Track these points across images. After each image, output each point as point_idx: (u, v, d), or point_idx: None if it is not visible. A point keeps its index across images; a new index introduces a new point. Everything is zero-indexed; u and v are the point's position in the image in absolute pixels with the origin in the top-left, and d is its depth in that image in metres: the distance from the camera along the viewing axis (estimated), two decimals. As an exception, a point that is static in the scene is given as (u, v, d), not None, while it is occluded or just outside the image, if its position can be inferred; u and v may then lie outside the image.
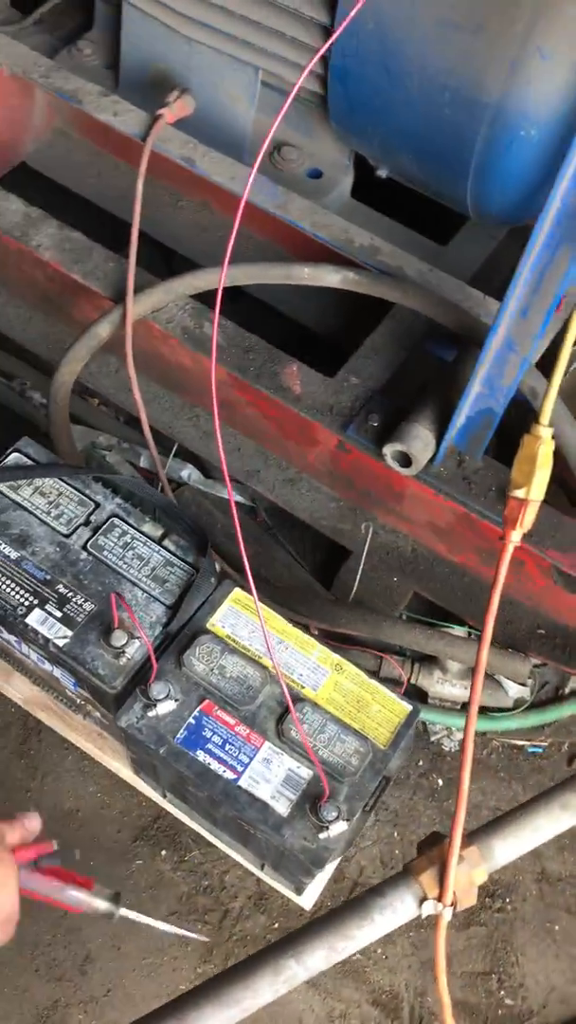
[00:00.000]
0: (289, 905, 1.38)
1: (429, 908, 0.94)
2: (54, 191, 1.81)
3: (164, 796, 1.35)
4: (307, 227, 1.41)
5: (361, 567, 1.52)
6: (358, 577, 1.48)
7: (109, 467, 1.71)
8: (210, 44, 1.49)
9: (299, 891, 1.30)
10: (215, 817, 1.22)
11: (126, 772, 1.38)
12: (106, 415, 1.77)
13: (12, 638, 1.26)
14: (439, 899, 0.94)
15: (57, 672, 1.25)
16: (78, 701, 1.35)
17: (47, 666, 1.26)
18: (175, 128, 1.49)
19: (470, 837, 0.97)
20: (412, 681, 1.51)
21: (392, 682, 1.52)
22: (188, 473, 1.70)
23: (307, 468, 1.56)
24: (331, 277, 1.31)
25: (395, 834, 1.45)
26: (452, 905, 0.94)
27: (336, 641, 1.49)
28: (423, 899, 0.94)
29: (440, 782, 1.50)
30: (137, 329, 1.41)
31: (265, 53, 1.44)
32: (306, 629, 1.36)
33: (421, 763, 1.51)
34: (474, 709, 0.97)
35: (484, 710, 1.53)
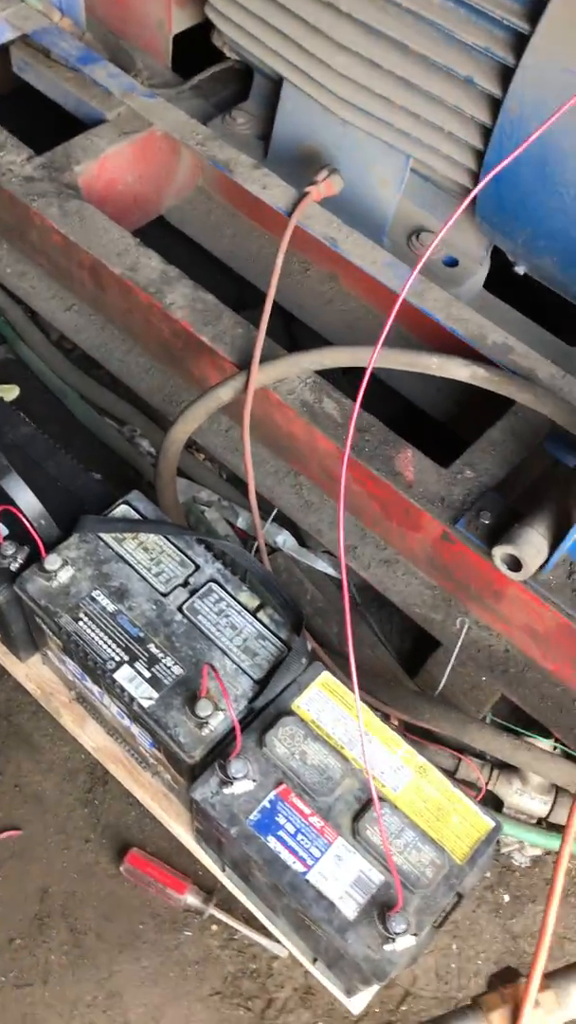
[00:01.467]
0: (335, 1005, 1.33)
1: (497, 1051, 0.89)
2: (182, 244, 1.86)
3: (223, 870, 1.32)
4: (443, 320, 1.40)
5: (452, 662, 1.47)
6: (447, 671, 1.44)
7: (207, 523, 1.71)
8: (365, 129, 1.51)
9: (349, 994, 1.25)
10: (275, 904, 1.19)
11: (187, 838, 1.36)
12: (209, 471, 1.78)
13: (96, 688, 1.26)
14: (508, 1043, 0.89)
15: (135, 729, 1.24)
16: (150, 760, 1.33)
17: (126, 721, 1.26)
18: (319, 206, 1.52)
19: (548, 978, 0.92)
20: (489, 787, 1.45)
21: (468, 784, 1.47)
22: (283, 539, 1.69)
23: (406, 552, 1.54)
24: (460, 371, 1.30)
25: (453, 946, 1.39)
26: (521, 1052, 0.89)
27: (414, 735, 1.45)
28: (491, 1040, 0.90)
29: (506, 898, 1.43)
30: (256, 395, 1.42)
31: (420, 143, 1.46)
32: (385, 718, 1.33)
33: (488, 875, 1.44)
34: (569, 838, 0.93)
35: (560, 828, 1.46)
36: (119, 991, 1.30)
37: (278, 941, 1.26)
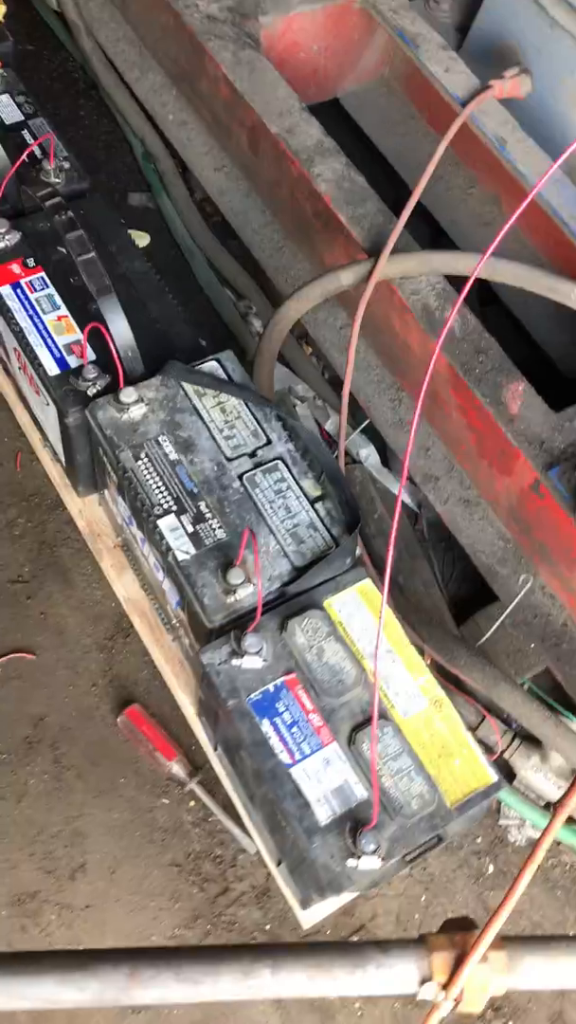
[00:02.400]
0: (288, 914, 1.30)
1: (428, 992, 0.83)
2: (350, 133, 1.77)
3: (215, 749, 1.30)
4: (597, 248, 1.28)
5: (503, 619, 1.39)
6: (494, 627, 1.36)
7: (296, 416, 1.66)
8: (574, 33, 1.38)
9: (304, 905, 1.21)
10: (254, 793, 1.15)
11: (189, 710, 1.33)
12: (313, 366, 1.72)
13: (139, 535, 1.24)
14: (444, 987, 0.83)
15: (166, 584, 1.22)
16: (174, 621, 1.31)
17: (159, 575, 1.23)
18: (500, 104, 1.40)
19: (504, 940, 0.86)
20: (505, 756, 1.37)
21: (484, 746, 1.40)
22: (367, 454, 1.62)
23: (490, 495, 1.45)
24: (601, 308, 1.19)
25: (422, 898, 1.34)
26: (455, 1001, 0.83)
27: (446, 679, 1.38)
28: (426, 979, 0.84)
29: (490, 868, 1.36)
30: (379, 290, 1.35)
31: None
32: (420, 653, 1.26)
33: (480, 840, 1.38)
34: (562, 815, 0.85)
35: (570, 820, 1.37)
36: (85, 832, 1.31)
37: (249, 836, 1.23)
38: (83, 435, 1.27)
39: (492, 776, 1.05)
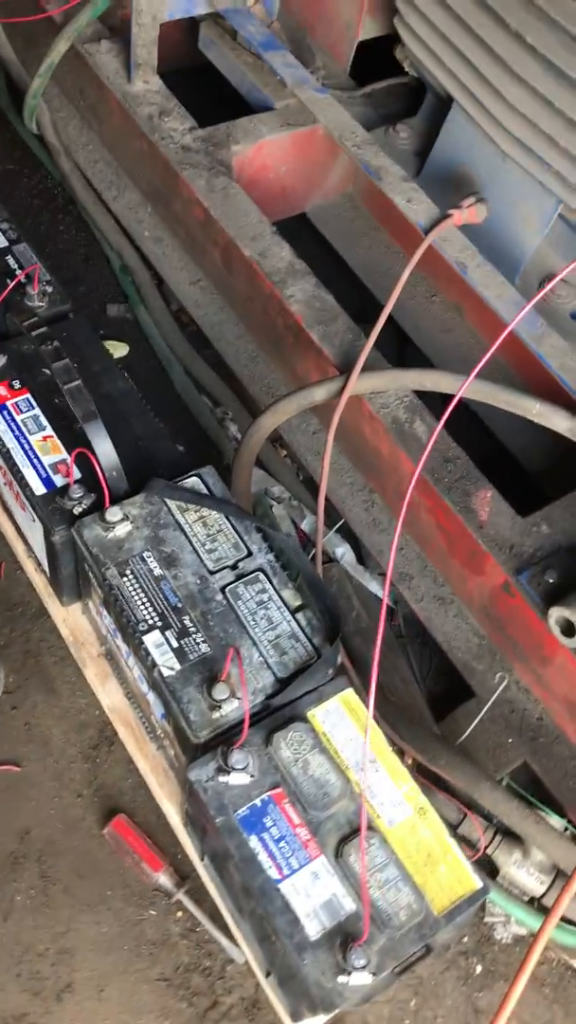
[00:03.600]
0: (279, 1026, 1.29)
1: None
2: (317, 245, 1.86)
3: (202, 859, 1.31)
4: (555, 367, 1.37)
5: (481, 715, 1.43)
6: (474, 724, 1.39)
7: (273, 517, 1.71)
8: (523, 165, 1.49)
9: (294, 1018, 1.21)
10: (242, 906, 1.16)
11: (175, 819, 1.35)
12: (288, 468, 1.78)
13: (124, 647, 1.27)
14: None
15: (151, 696, 1.24)
16: (159, 732, 1.33)
17: (144, 687, 1.26)
18: (459, 231, 1.50)
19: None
20: (488, 851, 1.39)
21: (467, 843, 1.42)
22: (343, 552, 1.67)
23: (463, 594, 1.50)
24: (561, 423, 1.26)
25: (412, 1003, 1.34)
26: None
27: (425, 778, 1.41)
28: None
29: (478, 969, 1.37)
30: (350, 402, 1.41)
31: (574, 191, 1.43)
32: (400, 754, 1.30)
33: (466, 940, 1.39)
34: (552, 921, 0.88)
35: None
36: (72, 949, 1.30)
37: (237, 946, 1.23)
38: (69, 551, 1.31)
39: (477, 882, 1.07)
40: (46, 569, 1.43)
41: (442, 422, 1.07)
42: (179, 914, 1.33)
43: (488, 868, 1.41)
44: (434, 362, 1.79)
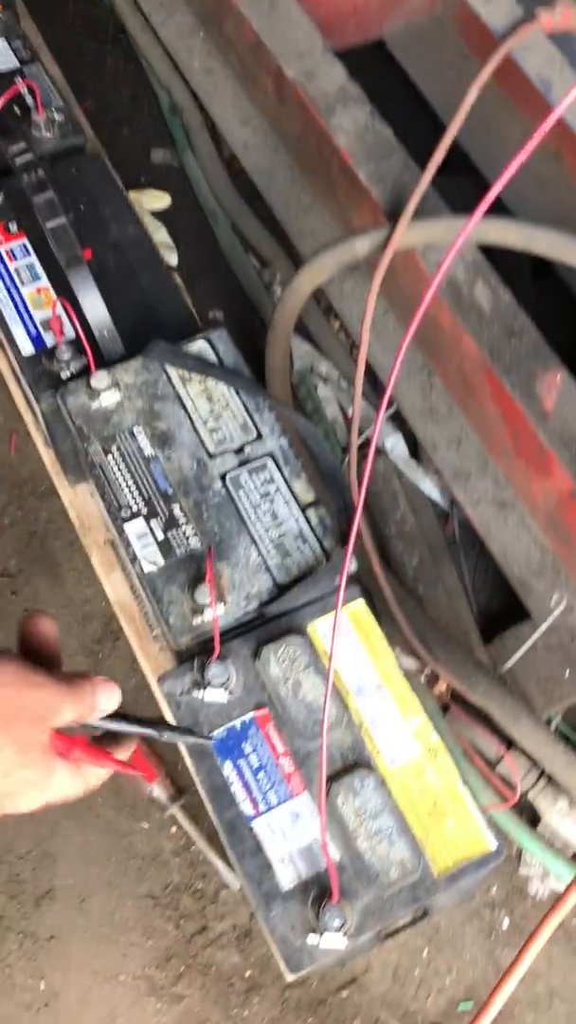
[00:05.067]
0: (271, 961, 1.18)
1: None
2: (397, 79, 1.58)
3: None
4: None
5: (533, 639, 1.22)
6: (523, 649, 1.19)
7: (317, 400, 1.49)
8: None
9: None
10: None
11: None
12: (340, 344, 1.54)
13: (116, 536, 1.11)
14: None
15: (141, 593, 1.09)
16: (155, 632, 1.19)
17: (136, 580, 1.11)
18: (550, 39, 1.19)
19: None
20: (529, 796, 1.21)
21: (506, 783, 1.24)
22: (393, 443, 1.45)
23: (526, 498, 1.26)
24: None
25: (425, 952, 1.19)
26: None
27: (463, 709, 1.22)
28: None
29: (506, 923, 1.21)
30: (400, 261, 1.17)
31: None
32: (434, 678, 1.11)
33: (494, 891, 1.22)
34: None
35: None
36: (55, 855, 1.21)
37: (233, 871, 1.10)
38: (60, 421, 1.15)
39: (490, 843, 0.90)
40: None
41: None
42: (173, 830, 1.22)
43: (529, 814, 1.22)
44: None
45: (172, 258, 1.58)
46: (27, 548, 1.38)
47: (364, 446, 1.45)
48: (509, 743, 1.24)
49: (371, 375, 1.33)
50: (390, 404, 1.44)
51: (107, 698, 0.71)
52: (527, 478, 1.23)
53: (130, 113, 1.76)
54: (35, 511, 1.41)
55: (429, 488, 1.44)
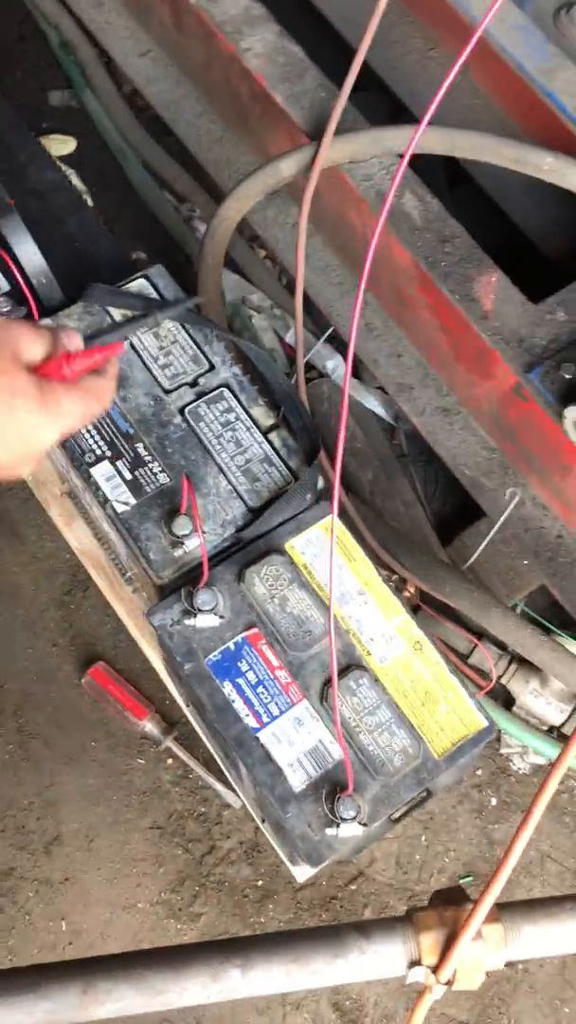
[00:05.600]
0: (280, 868, 1.24)
1: (418, 975, 0.75)
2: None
3: (187, 706, 1.21)
4: (569, 107, 1.11)
5: (491, 535, 1.27)
6: (483, 545, 1.24)
7: (253, 330, 1.50)
8: None
9: (292, 862, 1.14)
10: (227, 754, 1.07)
11: (159, 664, 1.24)
12: (268, 272, 1.55)
13: (79, 483, 1.11)
14: (434, 970, 0.75)
15: (113, 536, 1.10)
16: (129, 574, 1.20)
17: (105, 526, 1.12)
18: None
19: (500, 909, 0.77)
20: (503, 681, 1.28)
21: (479, 672, 1.31)
22: (334, 365, 1.47)
23: (469, 402, 1.31)
24: (578, 177, 1.02)
25: (423, 838, 1.27)
26: (448, 984, 0.76)
27: (432, 608, 1.28)
28: (415, 962, 0.76)
29: (493, 801, 1.29)
30: (326, 179, 1.18)
31: None
32: (402, 583, 1.15)
33: (480, 772, 1.30)
34: (570, 752, 0.75)
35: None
36: (57, 801, 1.23)
37: (233, 790, 1.15)
38: None
39: (482, 720, 0.95)
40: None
41: (399, 175, 0.84)
42: (169, 761, 1.26)
43: (504, 698, 1.30)
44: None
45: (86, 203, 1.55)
46: (-19, 510, 1.38)
47: (308, 370, 1.47)
48: (479, 635, 1.30)
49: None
50: (328, 326, 1.46)
51: (68, 335, 0.74)
52: (469, 382, 1.27)
53: (19, 55, 1.70)
54: (-15, 472, 1.40)
55: (374, 404, 1.47)
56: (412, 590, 1.29)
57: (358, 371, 1.50)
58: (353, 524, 1.30)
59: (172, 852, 1.21)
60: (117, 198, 1.56)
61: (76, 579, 1.36)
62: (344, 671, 0.95)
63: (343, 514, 1.19)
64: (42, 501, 1.30)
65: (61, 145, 1.62)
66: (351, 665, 0.95)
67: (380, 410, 1.48)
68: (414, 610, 1.31)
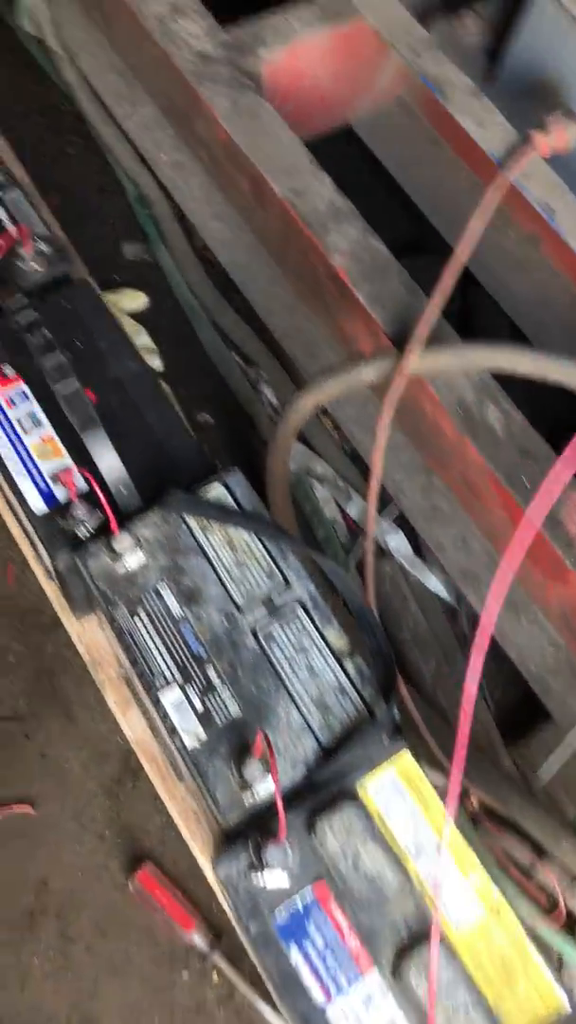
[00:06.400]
0: None
1: None
2: (364, 161, 1.57)
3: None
4: None
5: (562, 746, 1.22)
6: (556, 767, 1.19)
7: (315, 500, 1.48)
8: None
9: None
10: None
11: (210, 872, 1.18)
12: (333, 442, 1.53)
13: (140, 688, 1.08)
14: None
15: (184, 768, 1.06)
16: (185, 776, 1.16)
17: (164, 733, 1.08)
18: (543, 161, 1.19)
19: None
20: (569, 905, 1.22)
21: (541, 890, 1.24)
22: (397, 544, 1.44)
23: (539, 601, 1.27)
24: None
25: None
26: None
27: (493, 820, 1.22)
28: None
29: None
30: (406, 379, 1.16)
31: None
32: (464, 794, 1.10)
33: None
34: None
35: None
36: (97, 1018, 1.17)
37: (281, 1016, 1.08)
38: (76, 575, 1.11)
39: (561, 1000, 0.89)
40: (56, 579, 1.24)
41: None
42: (215, 976, 1.19)
43: (572, 924, 1.23)
44: (504, 306, 1.51)
45: (156, 362, 1.55)
46: (35, 687, 1.34)
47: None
48: (540, 850, 1.24)
49: (364, 469, 1.31)
50: (390, 502, 1.43)
51: None
52: (542, 583, 1.23)
53: (98, 205, 1.72)
54: (40, 645, 1.37)
55: (435, 585, 1.44)
56: (475, 801, 1.24)
57: (421, 550, 1.46)
58: (412, 726, 1.25)
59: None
60: (185, 357, 1.55)
61: (127, 766, 1.31)
62: (419, 940, 0.90)
63: (403, 717, 1.14)
64: (98, 683, 1.26)
65: (133, 300, 1.63)
66: (425, 935, 0.90)
67: (442, 591, 1.45)
68: (473, 822, 1.26)
